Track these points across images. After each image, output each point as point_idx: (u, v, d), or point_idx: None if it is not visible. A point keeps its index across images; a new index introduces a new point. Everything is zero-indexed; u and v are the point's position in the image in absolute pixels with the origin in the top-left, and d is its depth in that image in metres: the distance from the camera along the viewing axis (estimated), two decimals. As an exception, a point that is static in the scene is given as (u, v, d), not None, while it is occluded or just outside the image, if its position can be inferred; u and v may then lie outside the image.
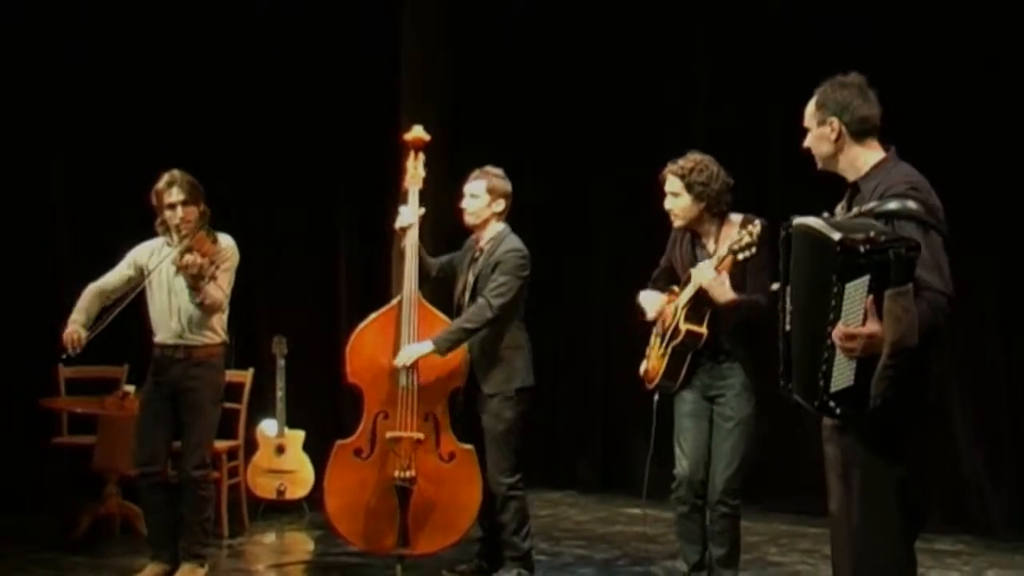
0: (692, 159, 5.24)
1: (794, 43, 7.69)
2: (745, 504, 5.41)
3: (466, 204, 5.87)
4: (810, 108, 3.96)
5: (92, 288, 5.85)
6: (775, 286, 4.00)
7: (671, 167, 5.26)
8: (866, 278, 3.50)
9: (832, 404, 3.61)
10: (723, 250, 5.04)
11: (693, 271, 5.14)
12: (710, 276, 5.04)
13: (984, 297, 7.16)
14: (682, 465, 5.29)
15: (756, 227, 4.97)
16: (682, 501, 5.30)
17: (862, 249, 3.49)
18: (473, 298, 5.80)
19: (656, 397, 5.35)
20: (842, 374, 3.57)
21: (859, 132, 3.89)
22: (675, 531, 5.42)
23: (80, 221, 7.85)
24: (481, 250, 5.87)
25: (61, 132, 7.84)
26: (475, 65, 8.52)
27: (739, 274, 5.09)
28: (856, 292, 3.52)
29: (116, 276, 5.89)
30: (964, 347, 7.05)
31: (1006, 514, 7.23)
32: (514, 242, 5.83)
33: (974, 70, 7.16)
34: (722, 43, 8.04)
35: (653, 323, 5.42)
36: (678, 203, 5.24)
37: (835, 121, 3.89)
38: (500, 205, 5.86)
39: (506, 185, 5.88)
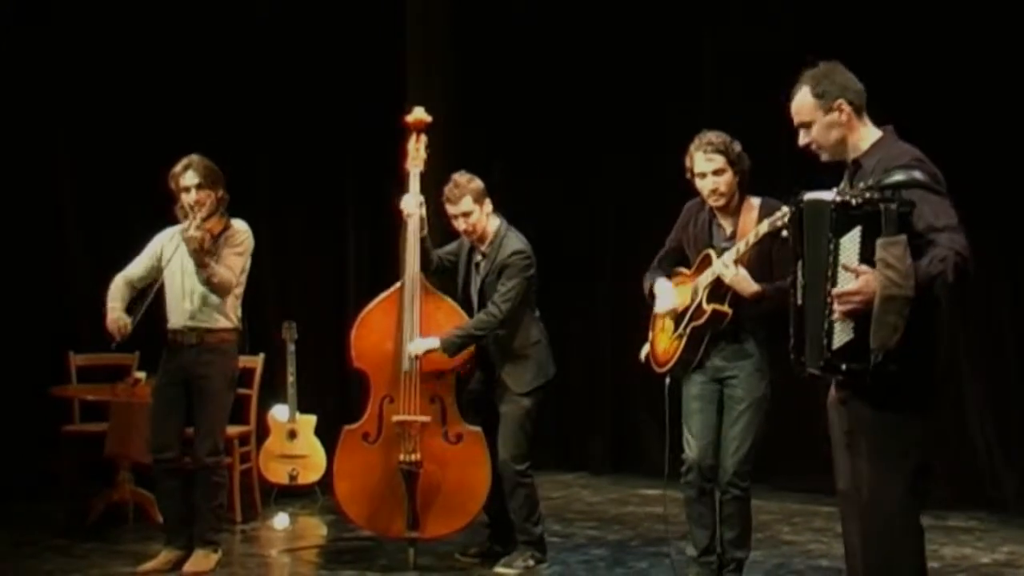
0: (719, 134, 5.12)
1: (796, 41, 7.65)
2: (757, 483, 5.40)
3: (464, 225, 5.79)
4: (807, 102, 3.93)
5: (119, 278, 5.87)
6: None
7: (706, 144, 5.10)
8: (857, 230, 3.62)
9: (836, 362, 3.67)
10: (751, 237, 4.86)
11: (715, 264, 5.01)
12: (731, 273, 4.94)
13: (994, 272, 7.13)
14: (691, 448, 5.24)
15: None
16: (691, 485, 5.27)
17: (854, 202, 3.63)
18: (483, 303, 5.80)
19: (668, 381, 5.30)
20: (842, 329, 3.66)
21: (860, 107, 3.92)
22: (685, 514, 5.41)
23: (89, 210, 7.85)
24: (483, 254, 5.85)
25: (69, 119, 7.83)
26: (480, 58, 8.51)
27: (758, 261, 5.01)
28: (849, 244, 3.63)
29: (141, 266, 5.90)
30: (974, 322, 7.03)
31: (1019, 490, 7.21)
32: (515, 242, 5.79)
33: (977, 55, 7.12)
34: (727, 36, 7.98)
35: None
36: (724, 179, 5.09)
37: (842, 102, 3.89)
38: (488, 204, 5.83)
39: (479, 183, 5.83)
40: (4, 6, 7.46)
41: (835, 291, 3.61)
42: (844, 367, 3.67)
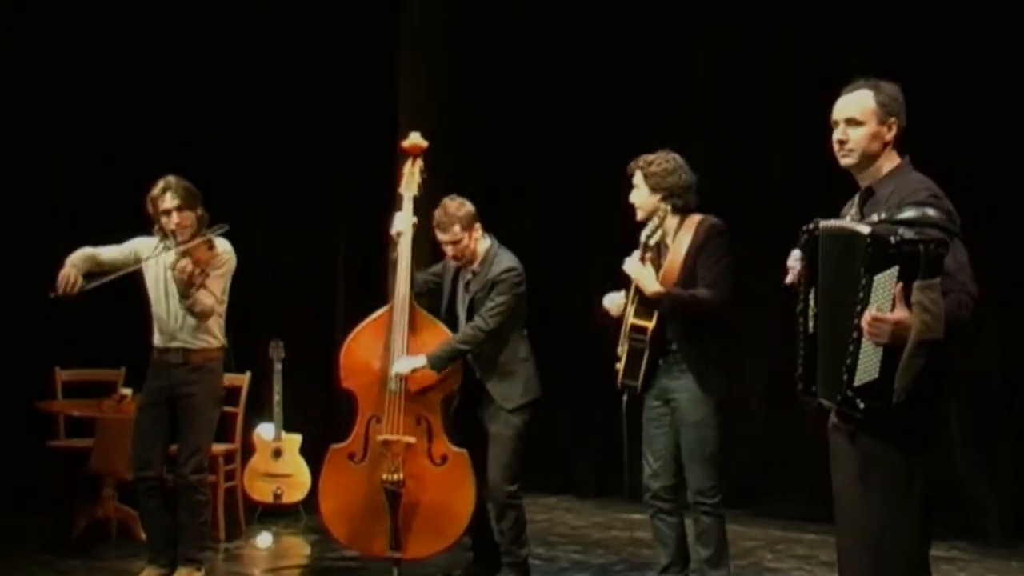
0: (657, 154, 5.27)
1: (796, 45, 7.70)
2: (739, 508, 5.42)
3: (453, 251, 5.79)
4: (869, 105, 3.84)
5: (87, 249, 5.77)
6: (804, 301, 3.93)
7: (635, 160, 5.30)
8: (895, 269, 3.53)
9: (856, 398, 3.60)
10: (642, 236, 5.12)
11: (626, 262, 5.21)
12: (636, 267, 5.12)
13: (980, 298, 7.13)
14: (649, 468, 5.33)
15: (663, 212, 5.14)
16: (651, 505, 5.35)
17: (892, 240, 3.52)
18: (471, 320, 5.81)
19: (624, 398, 5.36)
20: (867, 366, 3.58)
21: (899, 138, 3.88)
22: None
23: (80, 223, 7.80)
24: (474, 272, 5.86)
25: (61, 133, 7.83)
26: (474, 69, 8.53)
27: (691, 268, 5.12)
28: (885, 283, 3.54)
29: (116, 251, 5.82)
30: (960, 350, 7.03)
31: (1002, 520, 7.22)
32: (506, 260, 5.80)
33: (976, 58, 7.15)
34: (724, 44, 8.02)
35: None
36: (637, 195, 5.29)
37: (895, 123, 3.85)
38: (477, 229, 5.81)
39: (469, 208, 5.79)
40: (2, 7, 7.47)
41: (875, 314, 3.51)
42: (863, 405, 3.60)
